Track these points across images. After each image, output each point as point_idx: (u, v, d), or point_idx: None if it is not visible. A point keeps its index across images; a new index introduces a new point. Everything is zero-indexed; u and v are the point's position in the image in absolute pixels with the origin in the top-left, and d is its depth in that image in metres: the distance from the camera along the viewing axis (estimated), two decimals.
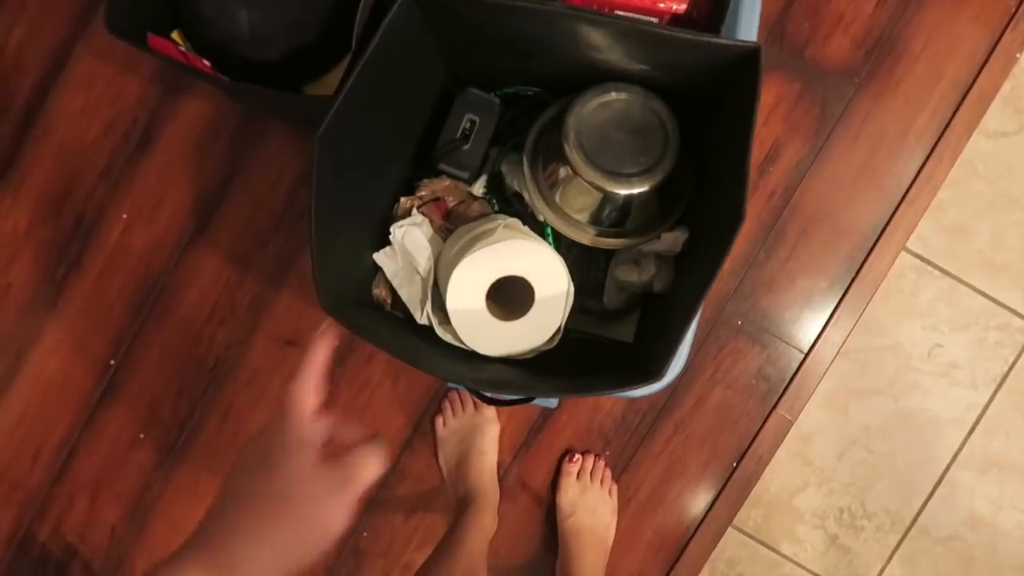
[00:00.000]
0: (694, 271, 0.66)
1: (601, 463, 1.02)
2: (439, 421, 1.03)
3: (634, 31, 0.55)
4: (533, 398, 0.64)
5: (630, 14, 0.61)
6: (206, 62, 0.82)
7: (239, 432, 1.06)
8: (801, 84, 1.03)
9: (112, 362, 1.06)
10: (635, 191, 0.63)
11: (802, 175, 1.03)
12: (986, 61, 1.02)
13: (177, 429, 1.06)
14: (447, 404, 1.03)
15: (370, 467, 0.42)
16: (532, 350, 0.66)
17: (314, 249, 0.55)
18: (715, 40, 0.54)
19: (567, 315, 0.66)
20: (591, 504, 1.01)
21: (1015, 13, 1.02)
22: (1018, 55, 1.02)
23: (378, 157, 0.68)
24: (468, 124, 0.72)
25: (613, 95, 0.65)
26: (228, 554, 0.39)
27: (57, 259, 1.06)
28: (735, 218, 0.54)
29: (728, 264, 1.02)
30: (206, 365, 1.06)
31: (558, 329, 0.66)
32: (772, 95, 1.03)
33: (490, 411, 1.02)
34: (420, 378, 1.04)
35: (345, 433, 0.45)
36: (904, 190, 1.02)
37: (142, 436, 1.07)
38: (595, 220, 0.68)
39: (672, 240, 0.66)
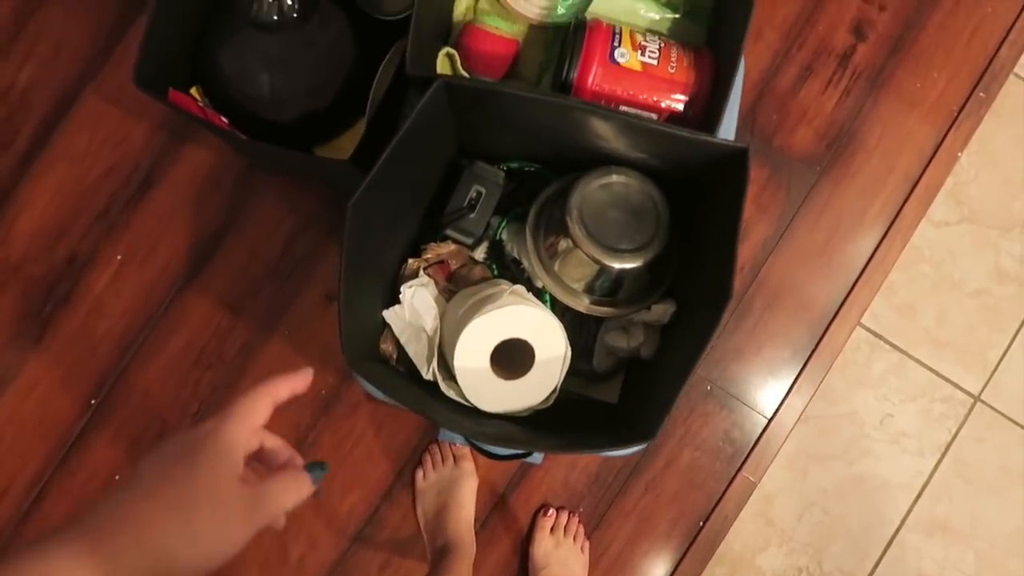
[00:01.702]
0: (680, 339, 0.72)
1: (575, 519, 1.06)
2: (419, 473, 1.06)
3: (640, 127, 0.61)
4: (531, 453, 0.69)
5: (635, 110, 0.68)
6: (224, 119, 0.87)
7: None
8: (769, 169, 1.12)
9: (93, 401, 1.06)
10: (629, 266, 0.70)
11: (768, 252, 1.11)
12: (932, 157, 1.13)
13: None
14: (427, 457, 1.06)
15: (287, 496, 0.40)
16: (528, 408, 0.71)
17: (341, 306, 0.59)
18: (710, 140, 0.61)
19: (563, 377, 0.71)
20: (563, 558, 1.04)
21: (957, 116, 1.14)
22: (959, 153, 1.14)
23: (393, 221, 0.73)
24: (475, 195, 0.78)
25: (614, 178, 0.71)
26: (110, 544, 0.36)
27: (45, 296, 1.06)
28: (724, 295, 0.60)
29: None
30: (189, 409, 1.07)
31: (554, 389, 0.71)
32: None
33: (469, 465, 1.05)
34: (402, 429, 1.07)
35: (279, 456, 0.44)
36: (859, 271, 1.11)
37: (117, 477, 1.06)
38: (590, 289, 0.74)
39: (661, 312, 0.72)
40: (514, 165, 0.82)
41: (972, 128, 1.14)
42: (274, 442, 0.44)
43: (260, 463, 0.43)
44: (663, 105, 0.68)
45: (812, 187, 1.12)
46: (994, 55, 1.15)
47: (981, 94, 1.14)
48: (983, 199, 1.14)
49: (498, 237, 0.82)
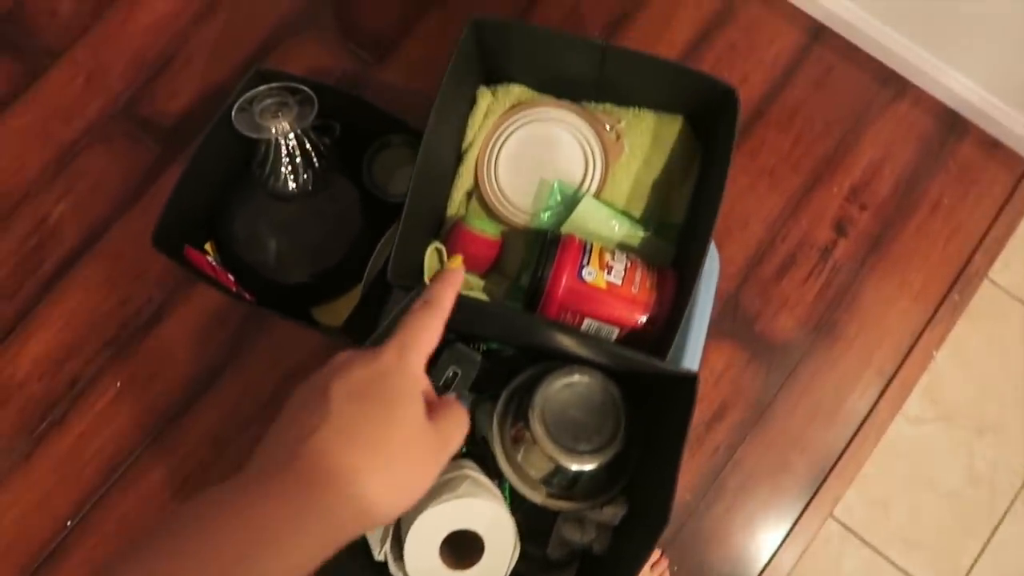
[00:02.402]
0: (632, 540, 0.74)
1: None
2: None
3: (596, 345, 0.66)
4: None
5: (597, 323, 0.73)
6: (231, 277, 0.94)
7: None
8: (750, 353, 1.16)
9: (69, 523, 1.08)
10: (586, 468, 0.73)
11: (744, 435, 1.13)
12: (908, 354, 1.17)
13: None
14: None
15: (462, 431, 0.39)
16: None
17: None
18: (659, 365, 0.65)
19: (511, 568, 0.72)
20: None
21: (932, 316, 1.18)
22: (935, 352, 1.17)
23: None
24: (451, 374, 0.83)
25: (576, 377, 0.75)
26: (323, 495, 0.34)
27: (42, 415, 1.11)
28: (660, 519, 0.62)
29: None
30: None
31: None
32: (723, 360, 1.16)
33: None
34: None
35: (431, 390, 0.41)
36: (833, 461, 1.13)
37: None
38: (547, 482, 0.77)
39: (611, 514, 0.74)
40: (493, 347, 0.87)
41: (947, 329, 1.18)
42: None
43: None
44: (624, 322, 0.73)
45: (791, 373, 1.16)
46: (968, 260, 1.21)
47: (956, 296, 1.19)
48: (957, 399, 1.16)
49: (470, 414, 0.85)
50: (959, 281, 1.20)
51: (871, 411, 1.15)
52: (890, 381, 1.16)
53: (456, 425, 0.39)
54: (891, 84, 1.26)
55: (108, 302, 1.14)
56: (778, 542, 1.10)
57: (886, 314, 1.19)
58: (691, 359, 0.85)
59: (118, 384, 1.12)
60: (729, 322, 1.17)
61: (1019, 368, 1.11)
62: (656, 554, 1.07)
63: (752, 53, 1.27)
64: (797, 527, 1.10)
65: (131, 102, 1.22)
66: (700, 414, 1.14)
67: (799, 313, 1.18)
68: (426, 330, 0.39)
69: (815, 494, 1.12)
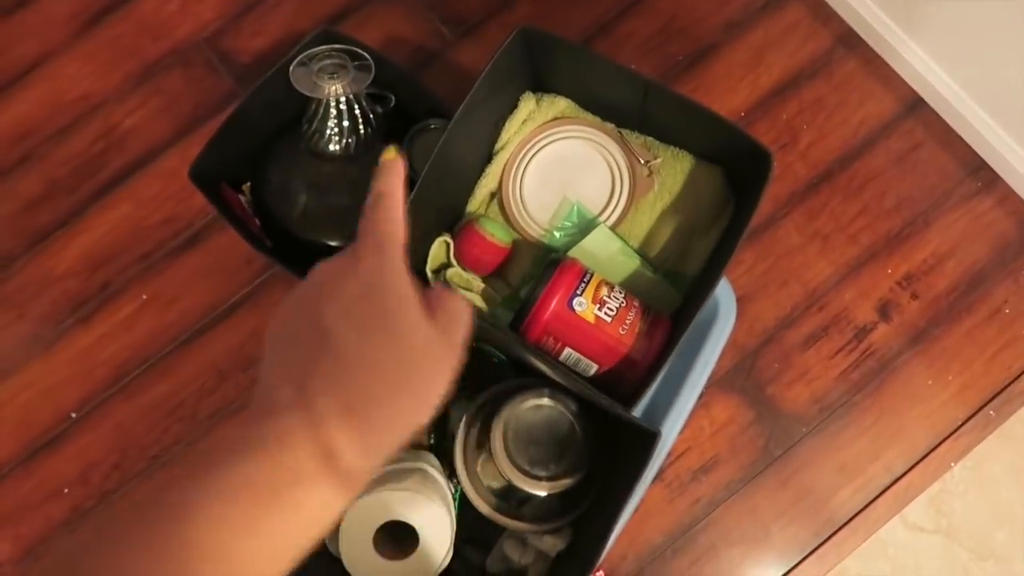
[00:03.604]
0: (568, 574, 0.73)
1: None
2: None
3: (566, 377, 0.65)
4: None
5: (576, 354, 0.72)
6: (257, 222, 0.96)
7: None
8: (755, 414, 1.12)
9: (73, 415, 1.15)
10: (535, 492, 0.72)
11: (729, 495, 1.10)
12: (922, 459, 1.10)
13: (98, 497, 1.13)
14: None
15: (465, 324, 0.37)
16: None
17: None
18: (623, 413, 0.64)
19: (438, 573, 0.73)
20: None
21: (960, 427, 1.11)
22: (953, 464, 1.10)
23: None
24: None
25: (546, 401, 0.74)
26: (365, 434, 0.32)
27: (71, 310, 1.17)
28: (587, 563, 0.61)
29: (635, 549, 1.09)
30: (149, 452, 1.13)
31: None
32: (727, 414, 1.12)
33: None
34: None
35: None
36: (814, 547, 1.08)
37: (66, 491, 1.13)
38: (498, 496, 0.76)
39: (551, 545, 0.73)
40: (484, 347, 0.87)
41: (973, 443, 1.11)
42: None
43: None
44: (603, 360, 0.72)
45: (792, 447, 1.11)
46: (1016, 379, 1.13)
47: (991, 412, 1.12)
48: (965, 518, 1.10)
49: (447, 409, 0.86)
50: (999, 397, 1.12)
51: (867, 506, 1.09)
52: (896, 481, 1.10)
53: (457, 319, 0.37)
54: (979, 176, 1.18)
55: (152, 218, 1.20)
56: None
57: (909, 412, 1.12)
58: (681, 408, 0.82)
59: (144, 297, 1.17)
60: (742, 378, 1.13)
61: None
62: None
63: (837, 111, 1.21)
64: None
65: (217, 33, 1.26)
66: (690, 462, 1.12)
67: (817, 388, 1.13)
68: (391, 222, 0.37)
69: (788, 573, 1.08)
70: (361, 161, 0.97)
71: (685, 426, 0.92)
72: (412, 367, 0.34)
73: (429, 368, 0.35)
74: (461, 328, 0.37)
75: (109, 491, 1.13)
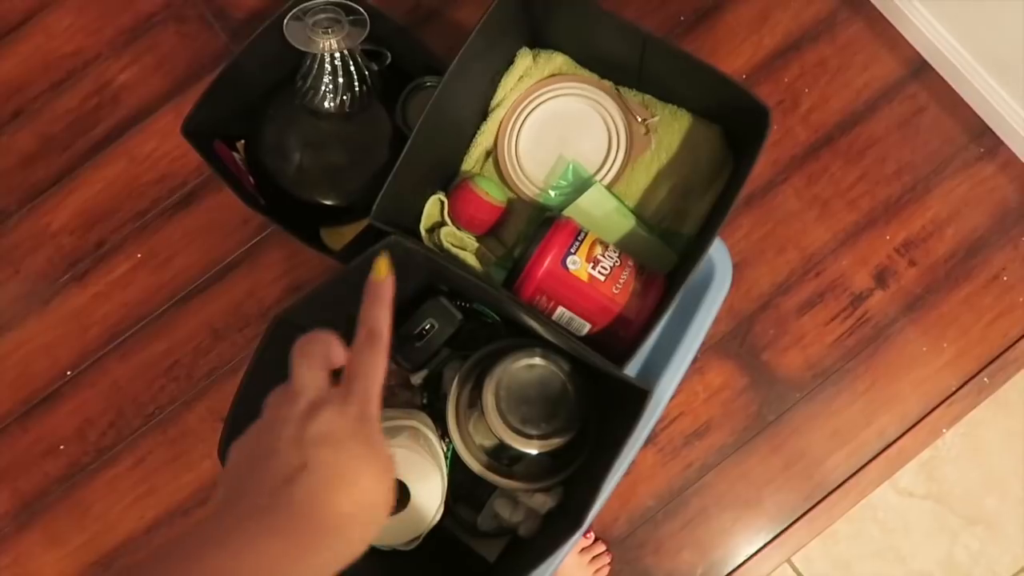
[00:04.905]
0: (547, 535, 0.74)
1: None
2: None
3: (558, 335, 0.65)
4: None
5: (569, 313, 0.72)
6: (252, 180, 0.95)
7: (145, 480, 1.13)
8: (749, 380, 1.12)
9: (69, 373, 1.15)
10: (526, 451, 0.72)
11: (721, 459, 1.11)
12: (915, 425, 1.11)
13: (94, 454, 1.14)
14: None
15: (375, 385, 0.38)
16: (388, 546, 0.73)
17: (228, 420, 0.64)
18: (614, 371, 0.64)
19: (429, 529, 0.73)
20: None
21: (954, 394, 1.11)
22: (945, 430, 1.11)
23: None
24: (428, 327, 0.83)
25: (538, 360, 0.74)
26: (318, 544, 0.34)
27: (66, 268, 1.17)
28: (573, 523, 0.62)
29: (627, 511, 1.10)
30: (145, 410, 1.14)
31: (417, 537, 0.73)
32: (721, 379, 1.13)
33: None
34: None
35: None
36: (805, 510, 1.09)
37: (62, 448, 1.14)
38: (490, 454, 0.77)
39: (540, 502, 0.74)
40: (477, 307, 0.86)
41: (966, 410, 1.11)
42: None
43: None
44: (596, 319, 0.71)
45: (785, 412, 1.12)
46: (1011, 346, 1.13)
47: (985, 379, 1.12)
48: (956, 483, 1.10)
49: (440, 369, 0.86)
50: (994, 364, 1.12)
51: (859, 471, 1.10)
52: (887, 447, 1.11)
53: (367, 388, 0.39)
54: (982, 141, 1.16)
55: (147, 176, 1.19)
56: (726, 572, 1.08)
57: (903, 379, 1.12)
58: (674, 371, 0.82)
59: (139, 256, 1.17)
60: (737, 344, 1.13)
61: None
62: (590, 539, 1.07)
63: (840, 74, 1.19)
64: (751, 562, 1.08)
65: None
66: (683, 426, 1.12)
67: (811, 353, 1.13)
68: (377, 368, 0.39)
69: (778, 535, 1.09)
70: (357, 118, 0.96)
71: (678, 390, 0.92)
72: (373, 491, 0.36)
73: (384, 488, 0.37)
74: (371, 411, 0.38)
75: (105, 448, 1.14)
